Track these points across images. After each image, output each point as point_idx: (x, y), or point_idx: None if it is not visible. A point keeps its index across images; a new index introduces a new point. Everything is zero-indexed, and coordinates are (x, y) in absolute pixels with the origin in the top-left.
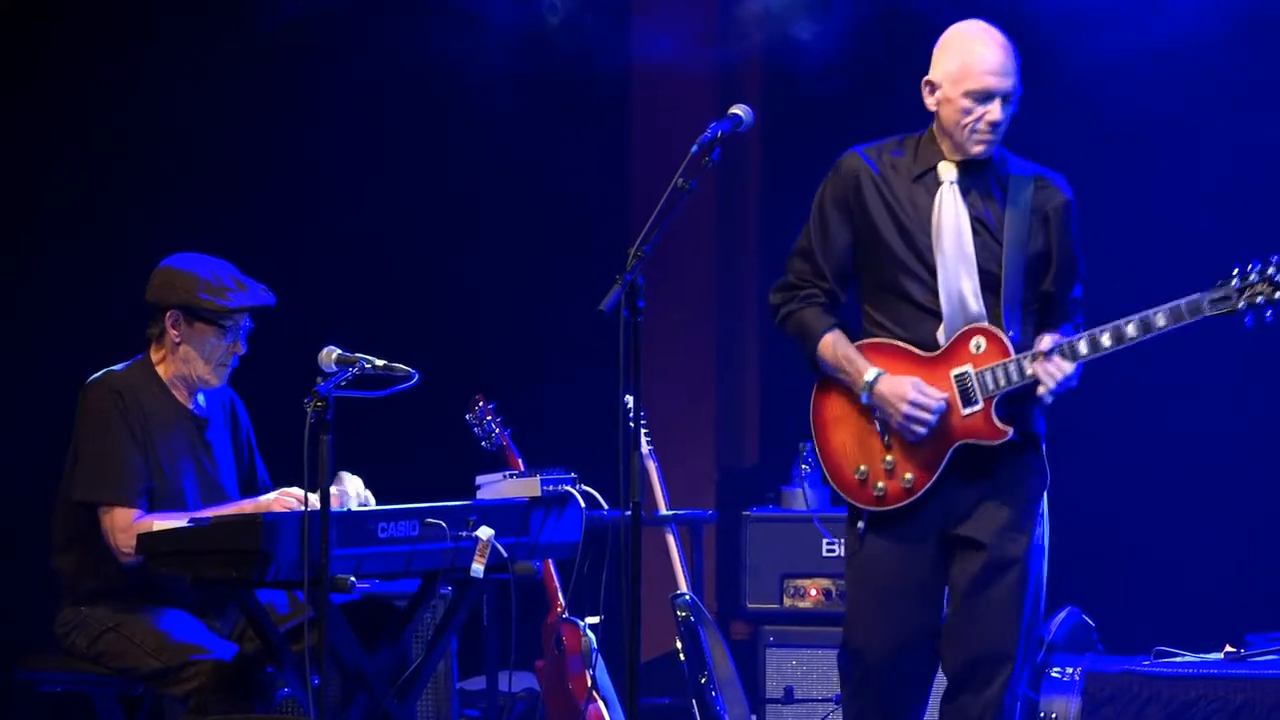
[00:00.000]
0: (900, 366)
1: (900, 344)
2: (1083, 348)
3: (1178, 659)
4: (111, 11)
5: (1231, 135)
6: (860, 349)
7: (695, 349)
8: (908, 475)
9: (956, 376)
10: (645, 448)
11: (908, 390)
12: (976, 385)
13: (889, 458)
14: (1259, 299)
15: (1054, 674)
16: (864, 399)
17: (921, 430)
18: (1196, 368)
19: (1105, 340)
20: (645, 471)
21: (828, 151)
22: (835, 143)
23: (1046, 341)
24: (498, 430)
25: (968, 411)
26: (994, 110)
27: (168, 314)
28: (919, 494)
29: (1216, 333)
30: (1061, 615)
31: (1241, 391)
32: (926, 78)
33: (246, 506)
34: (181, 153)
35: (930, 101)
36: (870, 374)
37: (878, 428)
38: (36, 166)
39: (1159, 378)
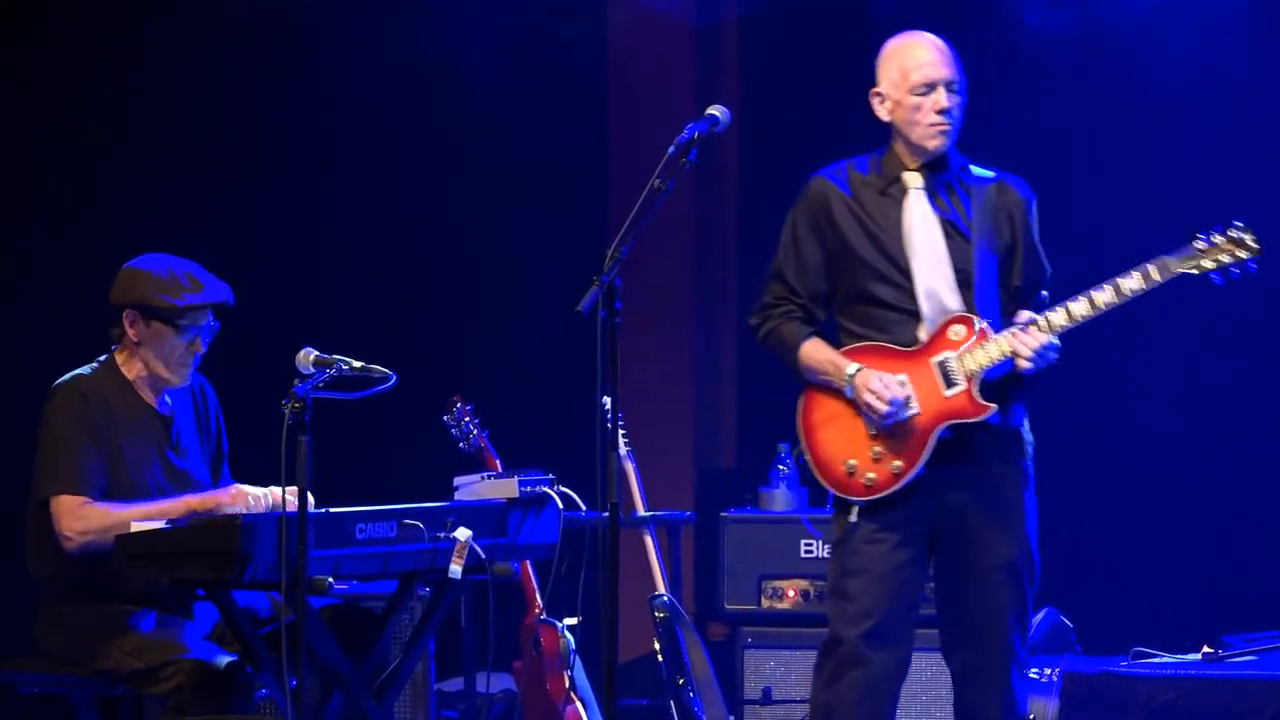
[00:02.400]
0: (884, 363)
1: (882, 343)
2: (1057, 318)
3: (1155, 660)
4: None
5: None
6: (843, 352)
7: (673, 350)
8: (896, 462)
9: (938, 363)
10: (623, 449)
11: (870, 380)
12: (958, 366)
13: (876, 448)
14: (1224, 259)
15: (1032, 675)
16: (848, 392)
17: (884, 418)
18: (1173, 370)
19: (1079, 308)
20: (623, 472)
21: (806, 152)
22: (814, 144)
23: (1024, 315)
24: (475, 431)
25: (951, 392)
26: (940, 97)
27: (125, 313)
28: (909, 478)
29: (1195, 335)
30: (1040, 616)
31: (1218, 394)
32: (874, 89)
33: (193, 500)
34: (154, 153)
35: (883, 112)
36: (851, 368)
37: (864, 420)
38: (4, 167)
39: (1136, 379)
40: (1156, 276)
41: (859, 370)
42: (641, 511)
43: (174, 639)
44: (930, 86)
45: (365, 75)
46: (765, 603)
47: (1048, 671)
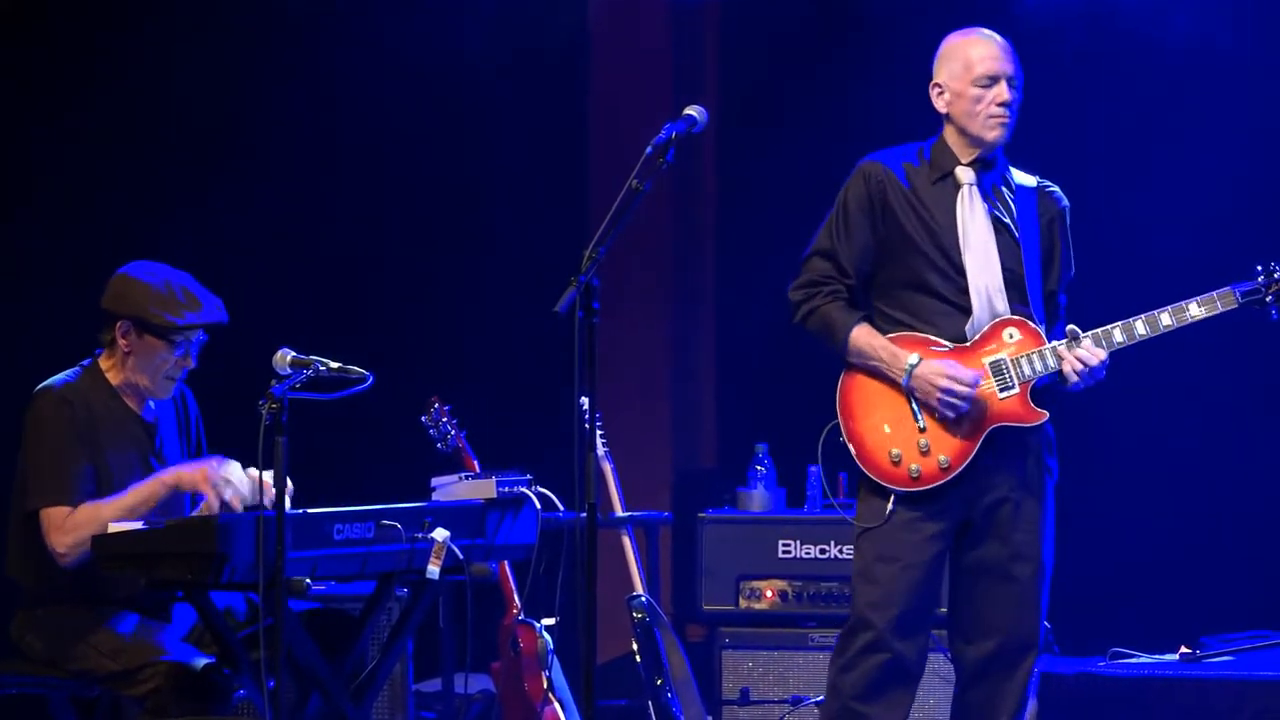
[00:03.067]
0: (932, 357)
1: (927, 336)
2: (1117, 335)
3: (1133, 660)
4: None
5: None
6: (890, 339)
7: (651, 350)
8: (943, 456)
9: (991, 363)
10: (601, 449)
11: (945, 368)
12: (1012, 370)
13: (924, 440)
14: None
15: None
16: (904, 382)
17: (961, 404)
18: (1152, 371)
19: (1140, 328)
20: (601, 473)
21: (784, 152)
22: (792, 145)
23: (1072, 328)
24: (453, 432)
25: (1005, 395)
26: (1002, 90)
27: (119, 324)
28: (955, 473)
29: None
30: None
31: (1197, 394)
32: (933, 82)
33: (166, 477)
34: (132, 154)
35: (940, 103)
36: (912, 358)
37: (913, 411)
38: (3, 167)
39: (1111, 379)
40: (1219, 307)
41: (921, 360)
42: (619, 512)
43: (151, 641)
44: (993, 79)
45: (346, 76)
46: (743, 603)
47: None
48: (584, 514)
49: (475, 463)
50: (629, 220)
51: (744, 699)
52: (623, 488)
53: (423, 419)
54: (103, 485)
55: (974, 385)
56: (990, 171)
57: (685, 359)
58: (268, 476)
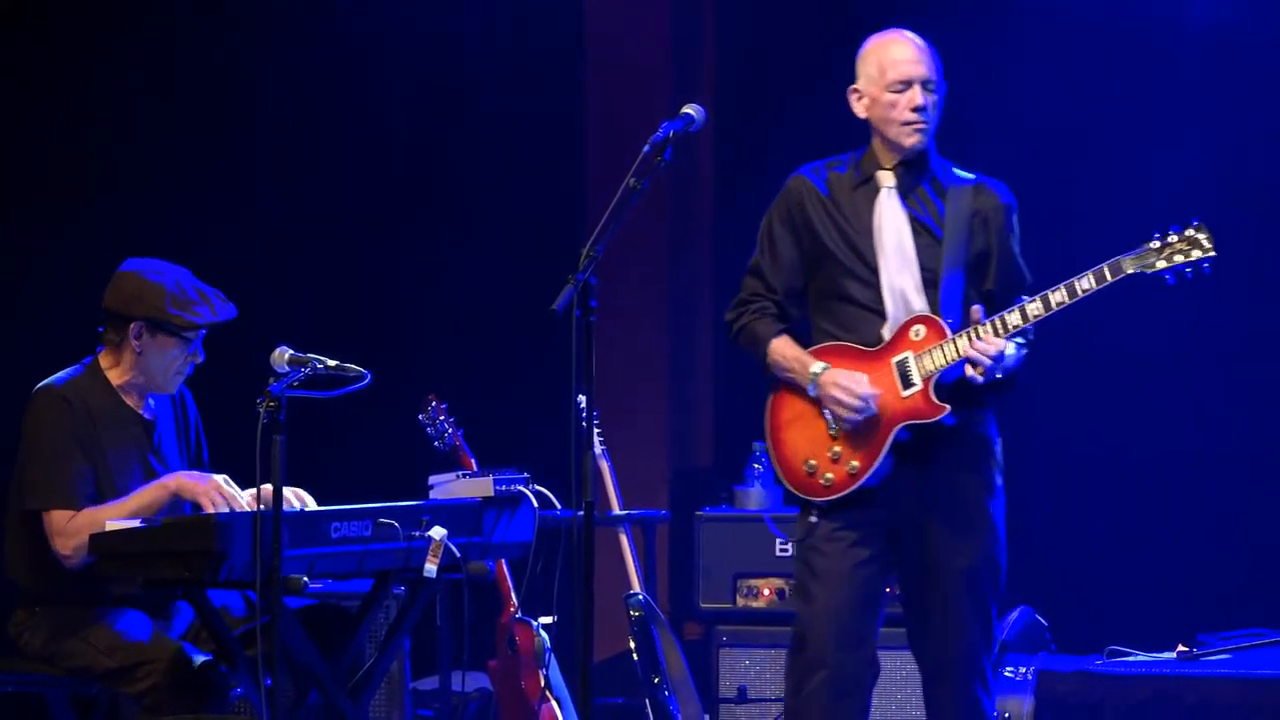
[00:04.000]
0: (847, 363)
1: (847, 343)
2: (1013, 318)
3: (1130, 658)
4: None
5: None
6: (810, 351)
7: (648, 349)
8: (853, 462)
9: (897, 363)
10: (598, 447)
11: (838, 378)
12: (915, 367)
13: (836, 448)
14: (1178, 258)
15: (1007, 673)
16: (811, 391)
17: (852, 416)
18: (1148, 370)
19: (1034, 308)
20: (598, 471)
21: (783, 150)
22: (791, 141)
23: (977, 312)
24: (450, 430)
25: (907, 393)
26: (915, 94)
27: (132, 325)
28: (865, 479)
29: (1171, 336)
30: (1014, 614)
31: (1193, 394)
32: (852, 87)
33: (169, 483)
34: (124, 152)
35: (859, 109)
36: (816, 367)
37: (827, 420)
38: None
39: (1110, 379)
40: (1109, 276)
41: (824, 369)
42: (616, 510)
43: (149, 638)
44: (906, 84)
45: (344, 74)
46: (740, 601)
47: (1022, 670)
48: (581, 512)
49: (473, 461)
50: (627, 218)
51: (741, 697)
52: (620, 486)
53: (420, 417)
54: (102, 484)
55: (865, 399)
56: (916, 173)
57: (682, 357)
58: (262, 490)
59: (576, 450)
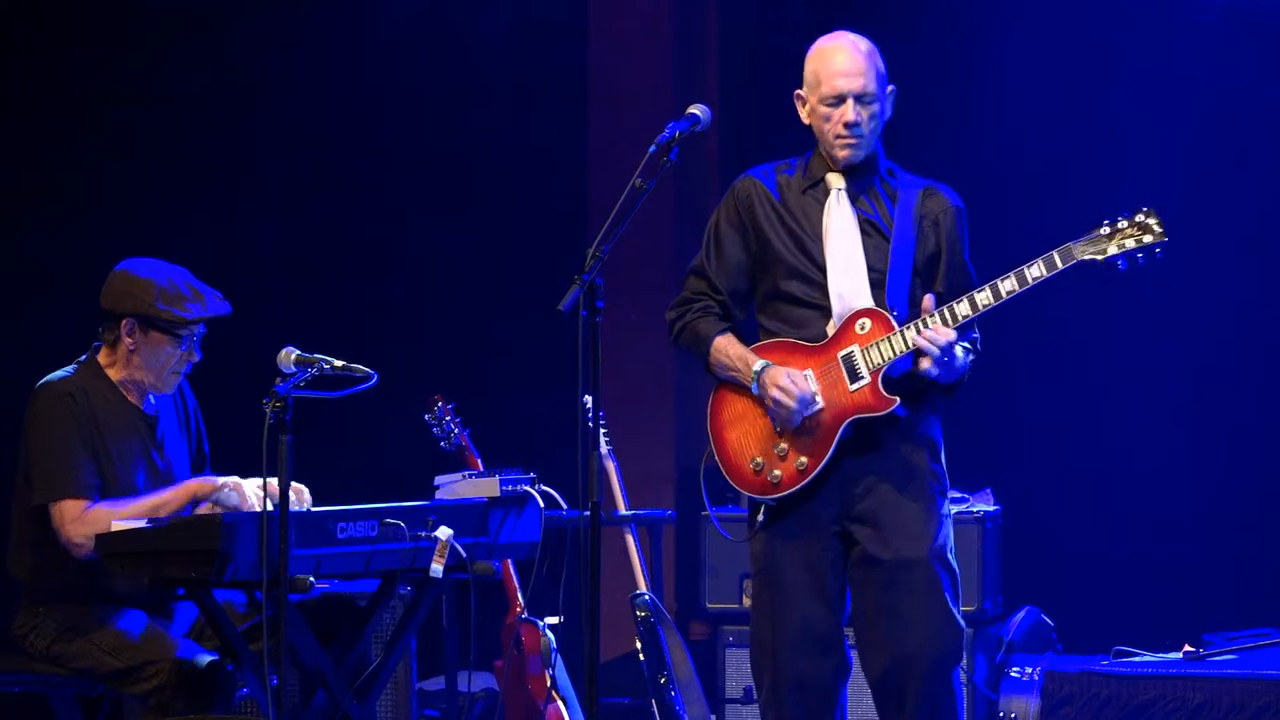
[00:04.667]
0: (792, 360)
1: (791, 340)
2: (962, 308)
3: (1136, 659)
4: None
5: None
6: (753, 349)
7: (654, 348)
8: (801, 459)
9: (843, 357)
10: (604, 447)
11: (778, 377)
12: (862, 360)
13: (782, 445)
14: (1129, 243)
15: (1013, 674)
16: (754, 389)
17: (789, 416)
18: (1154, 368)
19: (983, 297)
20: (604, 471)
21: (786, 148)
22: (793, 139)
23: (928, 302)
24: (456, 430)
25: (855, 387)
26: (846, 111)
27: (124, 322)
28: (813, 475)
29: (1175, 334)
30: (1021, 615)
31: (1199, 393)
32: (797, 91)
33: (192, 486)
34: (133, 152)
35: (803, 114)
36: (758, 365)
37: (771, 418)
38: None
39: (1115, 378)
40: (1059, 263)
41: (766, 367)
42: (623, 510)
43: (154, 638)
44: (839, 99)
45: (348, 74)
46: (746, 601)
47: (1028, 670)
48: (587, 512)
49: (479, 461)
50: (632, 219)
51: (747, 697)
52: (626, 486)
53: (426, 417)
54: (106, 477)
55: (804, 398)
56: (864, 176)
57: (688, 357)
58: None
59: (582, 450)
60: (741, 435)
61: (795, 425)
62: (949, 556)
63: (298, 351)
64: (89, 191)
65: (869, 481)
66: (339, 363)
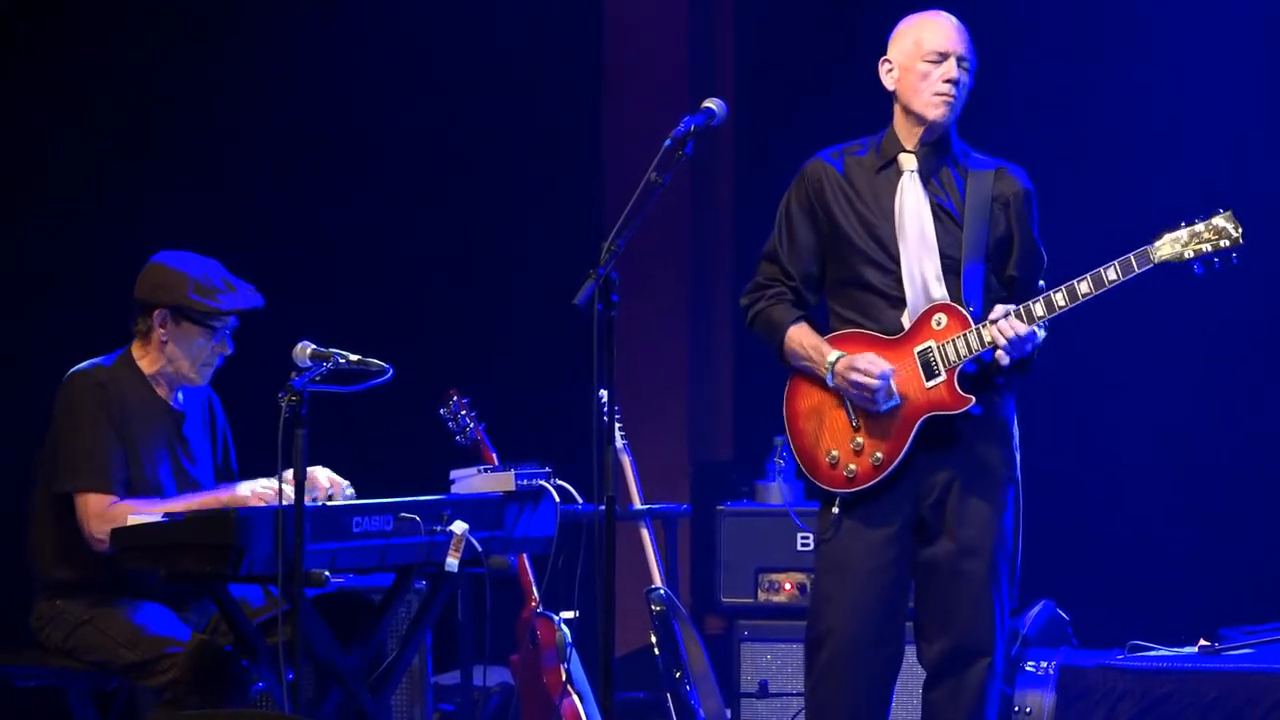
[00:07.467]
0: (867, 351)
1: (866, 331)
2: (1038, 308)
3: (1152, 653)
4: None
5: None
6: (828, 339)
7: (669, 343)
8: (877, 454)
9: (919, 352)
10: (619, 442)
11: (855, 361)
12: (938, 357)
13: (858, 439)
14: (1206, 248)
15: (1028, 668)
16: (829, 381)
17: (873, 398)
18: (1169, 362)
19: (1059, 299)
20: (619, 466)
21: (802, 141)
22: (810, 132)
23: (1000, 309)
24: (472, 425)
25: (931, 384)
26: (950, 67)
27: (156, 313)
28: (889, 470)
29: (1191, 328)
30: (1036, 609)
31: (1215, 386)
32: (883, 58)
33: (221, 496)
34: (153, 146)
35: (889, 80)
36: (832, 356)
37: (847, 411)
38: (13, 166)
39: (1132, 372)
40: (1136, 267)
41: (840, 358)
42: (638, 505)
43: (169, 632)
44: (943, 56)
45: (357, 70)
46: (762, 596)
47: (1044, 664)
48: (603, 507)
49: (494, 455)
50: (648, 213)
51: (763, 691)
52: (641, 480)
53: (441, 412)
54: (133, 470)
55: (883, 377)
56: (937, 156)
57: (703, 351)
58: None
59: (598, 444)
60: (817, 427)
61: (882, 408)
62: (1008, 543)
63: (313, 346)
64: (89, 191)
65: (942, 477)
66: (354, 357)
